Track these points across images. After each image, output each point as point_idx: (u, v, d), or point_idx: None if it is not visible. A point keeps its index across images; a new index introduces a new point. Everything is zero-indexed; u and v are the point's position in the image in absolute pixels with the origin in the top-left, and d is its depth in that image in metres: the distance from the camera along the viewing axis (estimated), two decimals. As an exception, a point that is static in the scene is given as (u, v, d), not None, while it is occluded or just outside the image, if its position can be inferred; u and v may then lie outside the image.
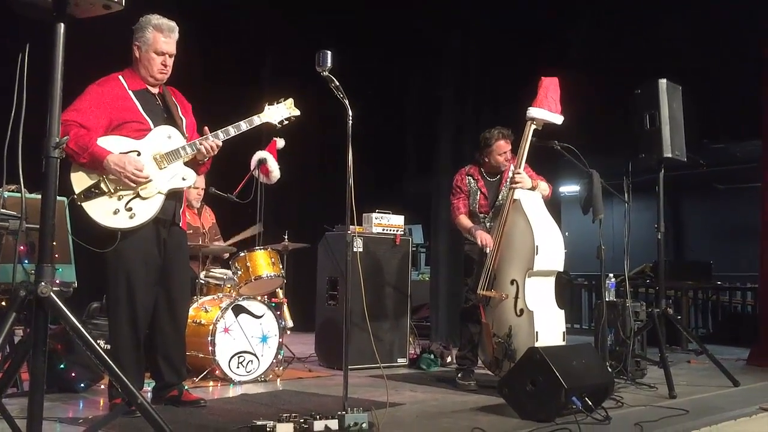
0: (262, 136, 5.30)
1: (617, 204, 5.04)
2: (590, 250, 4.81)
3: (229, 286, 5.08)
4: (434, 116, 7.89)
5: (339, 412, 3.02)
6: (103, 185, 3.40)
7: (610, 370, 4.43)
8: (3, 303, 3.85)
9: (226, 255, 5.46)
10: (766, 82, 6.13)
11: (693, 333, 7.65)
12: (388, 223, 5.83)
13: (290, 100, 3.87)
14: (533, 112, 4.53)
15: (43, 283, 2.21)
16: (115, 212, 3.40)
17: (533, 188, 4.58)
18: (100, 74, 3.60)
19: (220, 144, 3.64)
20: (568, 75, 4.81)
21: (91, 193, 3.39)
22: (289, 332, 5.32)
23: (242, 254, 5.09)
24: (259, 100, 3.86)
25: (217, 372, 4.56)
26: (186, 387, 3.85)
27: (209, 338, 4.53)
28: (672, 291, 8.24)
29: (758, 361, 5.97)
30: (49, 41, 2.27)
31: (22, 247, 3.55)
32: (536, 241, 4.32)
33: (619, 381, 4.54)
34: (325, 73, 3.43)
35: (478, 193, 4.83)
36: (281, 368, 4.99)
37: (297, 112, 3.88)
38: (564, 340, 4.41)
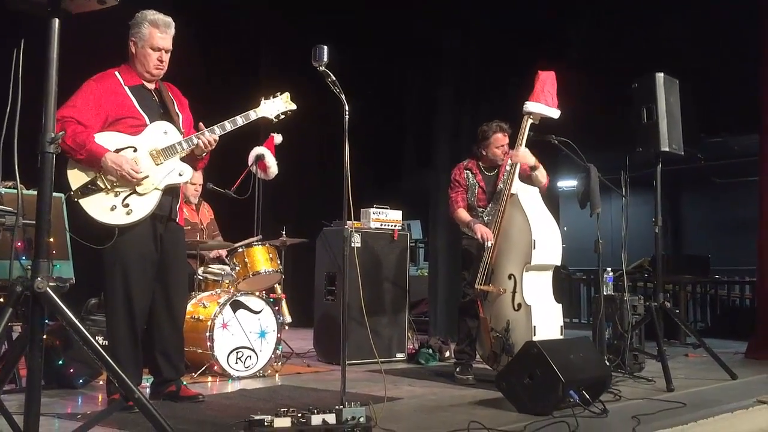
0: (259, 131, 5.31)
1: (615, 198, 5.05)
2: (588, 245, 4.81)
3: (227, 281, 5.08)
4: (433, 112, 7.89)
5: (337, 407, 3.03)
6: (99, 182, 3.40)
7: (608, 363, 4.43)
8: (0, 299, 3.85)
9: (224, 252, 5.47)
10: (765, 77, 6.12)
11: (691, 326, 7.66)
12: (386, 218, 5.83)
13: (286, 94, 3.87)
14: (530, 106, 4.54)
15: (39, 279, 2.21)
16: (112, 208, 3.40)
17: (535, 167, 4.57)
18: (97, 70, 3.59)
19: (218, 138, 3.64)
20: (567, 72, 4.82)
21: (87, 189, 3.39)
22: (287, 328, 5.33)
23: (240, 250, 5.10)
24: (256, 97, 3.86)
25: (215, 367, 4.57)
26: (184, 382, 3.86)
27: (207, 334, 4.54)
28: (670, 285, 8.25)
29: (756, 354, 5.99)
30: (43, 37, 2.27)
31: (19, 243, 3.54)
32: (534, 236, 4.32)
33: (617, 374, 4.54)
34: (322, 68, 3.43)
35: (476, 187, 4.83)
36: (279, 363, 5.00)
37: (293, 106, 3.87)
38: (561, 334, 4.42)
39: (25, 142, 2.33)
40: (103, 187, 3.40)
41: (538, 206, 4.51)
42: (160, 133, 3.58)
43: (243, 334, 4.70)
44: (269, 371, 4.83)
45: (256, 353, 4.74)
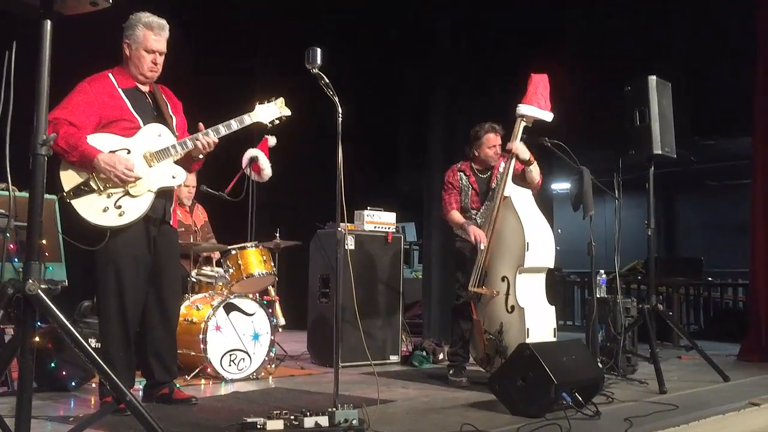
0: (253, 134, 5.28)
1: (609, 201, 5.06)
2: (582, 247, 4.82)
3: (220, 284, 5.08)
4: (427, 114, 7.91)
5: (330, 409, 3.03)
6: (92, 183, 3.40)
7: (600, 365, 4.45)
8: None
9: (218, 255, 5.46)
10: (758, 79, 6.15)
11: (683, 329, 7.68)
12: (379, 220, 5.84)
13: (281, 100, 3.87)
14: (523, 109, 4.55)
15: (30, 281, 2.20)
16: (105, 210, 3.40)
17: (530, 162, 4.58)
18: (90, 72, 3.59)
19: (217, 141, 3.64)
20: (561, 73, 4.83)
21: (80, 190, 3.38)
22: (280, 330, 5.32)
23: (234, 252, 5.09)
24: (251, 99, 3.86)
25: (208, 370, 4.56)
26: (177, 385, 3.85)
27: (201, 336, 4.53)
28: (663, 287, 8.27)
29: (748, 356, 6.01)
30: (36, 38, 2.26)
31: (11, 245, 3.54)
32: (527, 238, 4.33)
33: (609, 377, 4.56)
34: (315, 70, 3.43)
35: (470, 188, 4.84)
36: (273, 366, 4.99)
37: (288, 112, 3.87)
38: (555, 337, 4.43)
39: (17, 143, 2.33)
40: (95, 188, 3.40)
41: (531, 208, 4.52)
42: (154, 136, 3.57)
43: (236, 336, 4.69)
44: (263, 374, 4.83)
45: (249, 356, 4.73)
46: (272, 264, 5.22)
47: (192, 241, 5.25)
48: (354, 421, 2.99)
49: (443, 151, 7.57)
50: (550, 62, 4.90)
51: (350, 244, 5.50)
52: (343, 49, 7.58)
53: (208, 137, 3.60)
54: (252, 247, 5.14)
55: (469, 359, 4.79)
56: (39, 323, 3.40)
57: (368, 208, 5.82)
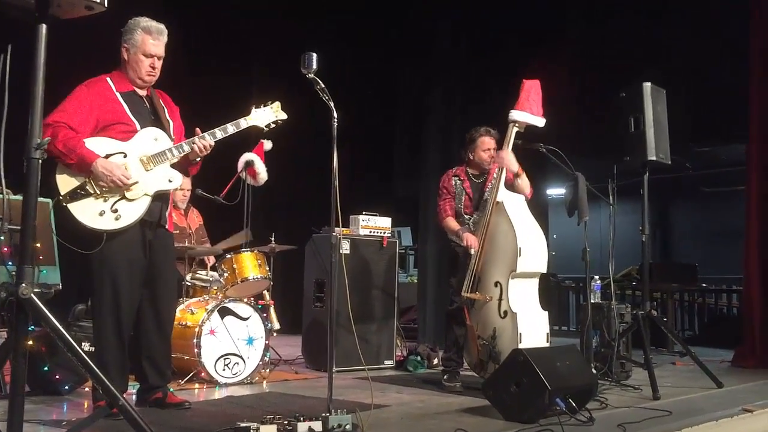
0: (249, 137, 5.28)
1: (604, 207, 5.07)
2: (577, 253, 4.84)
3: (215, 288, 5.07)
4: (423, 119, 7.91)
5: (323, 414, 3.03)
6: (89, 186, 3.40)
7: (594, 371, 4.45)
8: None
9: (212, 259, 5.46)
10: (754, 87, 6.18)
11: (678, 335, 7.69)
12: (375, 225, 5.84)
13: (277, 104, 3.88)
14: (515, 114, 4.57)
15: (23, 285, 2.20)
16: (101, 214, 3.40)
17: (518, 174, 4.59)
18: (88, 76, 3.59)
19: (213, 144, 3.64)
20: (561, 73, 4.83)
21: (76, 194, 3.38)
22: (275, 334, 5.32)
23: (229, 256, 5.09)
24: (248, 102, 3.86)
25: (202, 374, 4.56)
26: (171, 389, 3.84)
27: (195, 340, 4.52)
28: (658, 293, 8.29)
29: (742, 362, 6.03)
30: (31, 42, 2.27)
31: (5, 249, 3.54)
32: (519, 243, 4.34)
33: (603, 382, 4.56)
34: (311, 75, 3.43)
35: (464, 193, 4.85)
36: (267, 370, 4.99)
37: (284, 116, 3.88)
38: (548, 342, 4.44)
39: (11, 147, 2.33)
40: (92, 192, 3.39)
41: (523, 214, 4.53)
42: (151, 140, 3.58)
43: (231, 340, 4.69)
44: (257, 378, 4.82)
45: (243, 360, 4.73)
46: (267, 268, 5.22)
47: (187, 244, 5.25)
48: (347, 426, 2.99)
49: (439, 156, 7.58)
50: (550, 63, 4.91)
51: (345, 248, 5.50)
52: (343, 50, 7.60)
53: (204, 140, 3.61)
54: (246, 250, 5.14)
55: (463, 364, 4.79)
56: (32, 327, 3.40)
57: (363, 213, 5.82)
